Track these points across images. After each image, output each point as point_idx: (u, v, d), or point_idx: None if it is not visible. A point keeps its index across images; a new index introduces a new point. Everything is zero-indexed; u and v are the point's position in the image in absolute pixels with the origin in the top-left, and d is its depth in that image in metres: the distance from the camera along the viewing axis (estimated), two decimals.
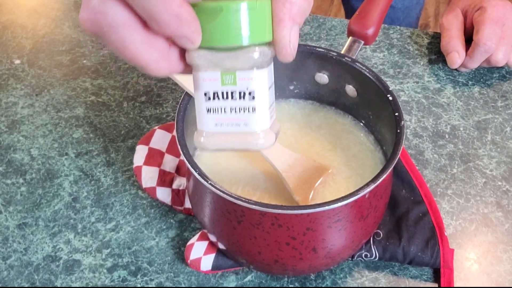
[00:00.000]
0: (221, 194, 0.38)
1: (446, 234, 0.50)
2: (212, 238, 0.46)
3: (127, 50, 0.27)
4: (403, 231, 0.50)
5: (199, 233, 0.49)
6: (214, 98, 0.30)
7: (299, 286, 0.48)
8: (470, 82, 0.66)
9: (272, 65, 0.31)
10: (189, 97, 0.44)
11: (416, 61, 0.69)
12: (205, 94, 0.30)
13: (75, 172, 0.57)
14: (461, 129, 0.61)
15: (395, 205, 0.52)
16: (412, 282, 0.49)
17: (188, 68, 0.30)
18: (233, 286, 0.49)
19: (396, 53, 0.70)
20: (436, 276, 0.49)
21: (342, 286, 0.48)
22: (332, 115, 0.53)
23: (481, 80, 0.67)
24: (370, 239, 0.49)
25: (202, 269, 0.48)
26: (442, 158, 0.58)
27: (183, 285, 0.49)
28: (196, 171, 0.39)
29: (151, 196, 0.54)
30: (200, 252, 0.48)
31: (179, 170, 0.55)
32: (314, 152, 0.50)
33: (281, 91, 0.53)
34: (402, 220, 0.51)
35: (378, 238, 0.49)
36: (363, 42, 0.52)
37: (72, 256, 0.50)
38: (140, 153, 0.55)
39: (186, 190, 0.52)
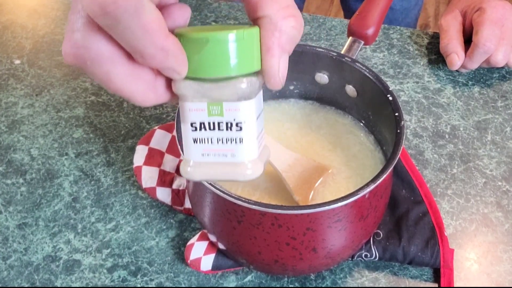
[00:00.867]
0: (221, 194, 0.38)
1: (446, 234, 0.50)
2: (212, 238, 0.46)
3: (112, 83, 0.26)
4: (403, 231, 0.50)
5: (199, 233, 0.49)
6: (200, 129, 0.30)
7: (299, 286, 0.48)
8: (470, 82, 0.66)
9: (261, 93, 0.31)
10: None
11: (416, 61, 0.69)
12: (192, 125, 0.30)
13: (75, 172, 0.57)
14: (461, 129, 0.61)
15: (395, 205, 0.52)
16: (412, 282, 0.49)
17: (174, 98, 0.29)
18: (233, 286, 0.49)
19: (396, 53, 0.70)
20: (436, 276, 0.49)
21: (342, 286, 0.48)
22: (332, 115, 0.53)
23: (481, 80, 0.67)
24: (370, 239, 0.49)
25: (202, 269, 0.48)
26: (442, 158, 0.58)
27: (183, 285, 0.49)
28: None
29: (151, 196, 0.54)
30: (200, 252, 0.48)
31: (179, 170, 0.55)
32: (314, 152, 0.50)
33: (281, 91, 0.53)
34: (402, 220, 0.51)
35: (378, 238, 0.49)
36: (363, 42, 0.52)
37: (72, 256, 0.51)
38: (140, 153, 0.55)
39: (186, 190, 0.52)
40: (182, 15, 0.28)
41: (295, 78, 0.52)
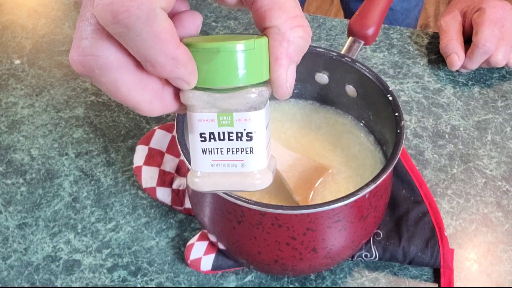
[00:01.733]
0: (221, 194, 0.38)
1: (446, 234, 0.50)
2: (212, 238, 0.46)
3: (119, 93, 0.26)
4: (403, 231, 0.50)
5: (199, 233, 0.49)
6: (210, 139, 0.29)
7: (299, 286, 0.48)
8: (470, 82, 0.66)
9: (268, 103, 0.31)
10: None
11: (416, 61, 0.69)
12: (201, 135, 0.29)
13: (75, 172, 0.57)
14: (461, 129, 0.61)
15: (395, 205, 0.52)
16: (412, 282, 0.49)
17: (182, 108, 0.29)
18: (233, 286, 0.49)
19: (396, 53, 0.70)
20: (436, 276, 0.49)
21: (342, 286, 0.49)
22: (332, 115, 0.53)
23: (481, 80, 0.67)
24: (370, 239, 0.49)
25: (202, 269, 0.48)
26: (442, 158, 0.58)
27: (183, 285, 0.49)
28: None
29: (151, 196, 0.54)
30: (200, 252, 0.48)
31: (179, 170, 0.55)
32: (314, 152, 0.50)
33: None
34: (402, 220, 0.51)
35: (378, 238, 0.49)
36: (363, 42, 0.52)
37: (72, 256, 0.51)
38: (140, 153, 0.55)
39: (186, 190, 0.52)
40: (194, 22, 0.28)
41: (295, 78, 0.51)
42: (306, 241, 0.41)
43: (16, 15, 0.76)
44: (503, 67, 0.67)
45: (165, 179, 0.54)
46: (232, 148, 0.29)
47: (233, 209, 0.40)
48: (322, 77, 0.50)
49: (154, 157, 0.55)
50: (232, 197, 0.37)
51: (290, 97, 0.54)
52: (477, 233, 0.52)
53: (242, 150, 0.29)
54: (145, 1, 0.23)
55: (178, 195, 0.53)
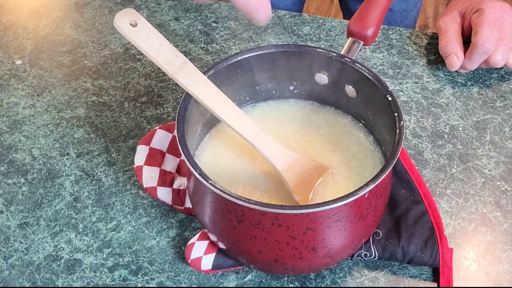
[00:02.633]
0: (221, 194, 0.38)
1: (445, 233, 0.50)
2: (213, 237, 0.46)
3: None
4: (402, 231, 0.50)
5: (200, 232, 0.50)
6: None
7: (299, 285, 0.49)
8: (469, 83, 0.67)
9: None
10: (189, 97, 0.44)
11: (415, 61, 0.69)
12: None
13: (76, 172, 0.57)
14: (460, 129, 0.61)
15: (395, 204, 0.52)
16: (411, 281, 0.49)
17: None
18: (233, 285, 0.49)
19: (395, 53, 0.70)
20: (435, 275, 0.49)
21: (341, 285, 0.49)
22: (332, 115, 0.53)
23: (480, 80, 0.67)
24: (369, 238, 0.49)
25: (202, 268, 0.48)
26: (441, 158, 0.58)
27: (183, 285, 0.49)
28: (196, 171, 0.39)
29: (152, 195, 0.54)
30: (201, 252, 0.48)
31: (180, 170, 0.55)
32: (314, 152, 0.50)
33: (281, 91, 0.53)
34: (401, 219, 0.51)
35: (377, 238, 0.49)
36: (362, 42, 0.52)
37: (73, 255, 0.51)
38: (141, 153, 0.55)
39: (187, 190, 0.52)
40: None
41: (295, 78, 0.52)
42: (306, 241, 0.41)
43: (18, 15, 0.77)
44: (502, 68, 0.68)
45: (165, 179, 0.54)
46: None
47: (233, 209, 0.40)
48: (322, 77, 0.51)
49: (155, 157, 0.55)
50: (232, 196, 0.38)
51: (290, 97, 0.54)
52: (476, 233, 0.52)
53: None
54: None
55: (178, 194, 0.53)
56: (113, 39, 0.72)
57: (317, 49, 0.48)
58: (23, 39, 0.73)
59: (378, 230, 0.50)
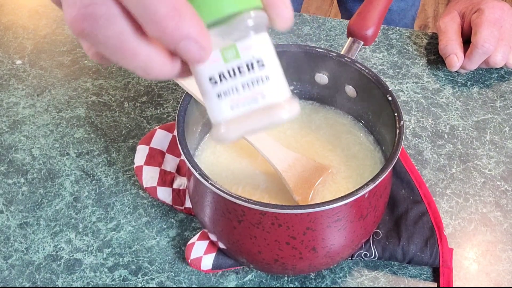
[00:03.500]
0: (221, 194, 0.38)
1: (445, 233, 0.50)
2: (213, 237, 0.46)
3: (127, 44, 0.24)
4: (402, 231, 0.50)
5: (200, 232, 0.50)
6: (221, 80, 0.27)
7: (299, 285, 0.49)
8: (469, 83, 0.67)
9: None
10: (189, 97, 0.44)
11: (415, 61, 0.69)
12: (210, 79, 0.27)
13: (76, 172, 0.57)
14: (460, 129, 0.61)
15: (395, 204, 0.52)
16: (411, 281, 0.49)
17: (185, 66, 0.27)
18: (233, 285, 0.49)
19: (395, 53, 0.70)
20: (435, 275, 0.49)
21: (341, 285, 0.49)
22: (332, 115, 0.53)
23: (480, 80, 0.67)
24: (369, 238, 0.49)
25: (202, 268, 0.48)
26: (441, 158, 0.58)
27: (183, 285, 0.49)
28: (196, 171, 0.39)
29: (151, 195, 0.54)
30: (201, 252, 0.48)
31: (180, 170, 0.55)
32: (314, 152, 0.50)
33: None
34: (401, 219, 0.51)
35: (377, 238, 0.49)
36: (362, 42, 0.52)
37: (73, 255, 0.51)
38: (141, 153, 0.55)
39: (187, 190, 0.52)
40: None
41: (295, 78, 0.52)
42: (306, 241, 0.41)
43: (17, 15, 0.77)
44: (501, 67, 0.68)
45: (165, 179, 0.54)
46: (247, 82, 0.27)
47: (233, 209, 0.40)
48: (322, 77, 0.51)
49: (155, 157, 0.55)
50: (232, 196, 0.38)
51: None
52: (476, 233, 0.52)
53: (258, 80, 0.27)
54: None
55: (178, 194, 0.53)
56: None
57: (317, 49, 0.48)
58: (23, 39, 0.73)
59: (378, 230, 0.50)
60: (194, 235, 0.50)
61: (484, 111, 0.63)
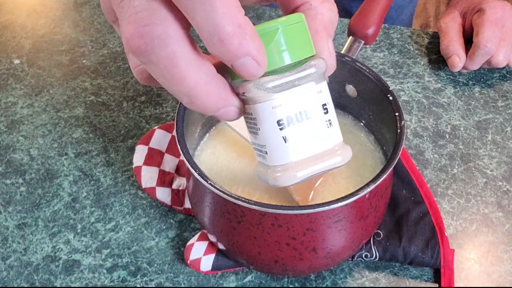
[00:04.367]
0: (221, 194, 0.38)
1: (446, 234, 0.50)
2: (212, 238, 0.46)
3: (177, 68, 0.24)
4: (403, 231, 0.49)
5: (199, 233, 0.49)
6: (289, 124, 0.28)
7: (299, 286, 0.48)
8: (470, 82, 0.66)
9: None
10: None
11: (416, 61, 0.69)
12: (279, 123, 0.27)
13: (74, 172, 0.57)
14: (462, 129, 0.61)
15: (396, 205, 0.52)
16: (412, 282, 0.49)
17: (237, 105, 0.27)
18: (233, 286, 0.48)
19: (396, 53, 0.70)
20: (437, 276, 0.49)
21: (342, 286, 0.48)
22: None
23: (482, 80, 0.66)
24: (370, 239, 0.49)
25: (202, 269, 0.48)
26: (443, 158, 0.58)
27: (183, 286, 0.48)
28: (196, 171, 0.38)
29: (150, 196, 0.54)
30: (200, 253, 0.48)
31: (179, 170, 0.55)
32: None
33: None
34: (402, 220, 0.51)
35: (378, 238, 0.49)
36: (363, 42, 0.52)
37: (71, 256, 0.50)
38: (140, 153, 0.55)
39: (186, 190, 0.52)
40: None
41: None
42: (306, 241, 0.40)
43: (16, 14, 0.76)
44: (503, 67, 0.67)
45: (164, 179, 0.53)
46: (312, 127, 0.28)
47: (233, 209, 0.40)
48: None
49: (153, 157, 0.55)
50: (232, 197, 0.37)
51: None
52: (478, 233, 0.52)
53: (322, 125, 0.28)
54: None
55: (178, 195, 0.53)
56: (112, 38, 0.72)
57: None
58: (21, 38, 0.73)
59: (378, 231, 0.50)
60: (193, 236, 0.50)
61: (485, 111, 0.63)
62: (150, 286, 0.48)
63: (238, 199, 0.37)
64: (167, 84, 0.25)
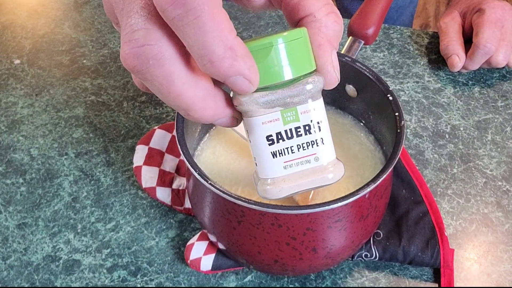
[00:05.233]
0: (221, 194, 0.38)
1: (446, 234, 0.50)
2: (212, 238, 0.46)
3: (173, 87, 0.25)
4: (403, 231, 0.49)
5: (199, 233, 0.49)
6: (278, 141, 0.28)
7: (299, 286, 0.48)
8: (470, 82, 0.66)
9: None
10: None
11: (416, 61, 0.69)
12: (268, 138, 0.28)
13: (75, 172, 0.57)
14: (461, 129, 0.61)
15: (395, 205, 0.52)
16: (412, 282, 0.49)
17: (234, 115, 0.28)
18: (233, 286, 0.49)
19: (396, 53, 0.70)
20: (436, 276, 0.49)
21: (342, 286, 0.48)
22: (332, 115, 0.53)
23: (481, 80, 0.67)
24: (370, 239, 0.49)
25: (202, 269, 0.48)
26: (442, 158, 0.58)
27: (183, 285, 0.49)
28: (196, 171, 0.38)
29: (151, 196, 0.54)
30: (200, 252, 0.48)
31: (179, 170, 0.55)
32: None
33: None
34: (402, 220, 0.51)
35: (378, 238, 0.49)
36: (363, 42, 0.52)
37: (72, 256, 0.50)
38: (140, 153, 0.55)
39: (186, 190, 0.52)
40: None
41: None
42: (306, 241, 0.40)
43: (16, 15, 0.76)
44: (503, 67, 0.67)
45: (165, 179, 0.53)
46: (302, 144, 0.28)
47: (233, 209, 0.40)
48: None
49: (154, 157, 0.55)
50: (232, 197, 0.37)
51: None
52: (477, 233, 0.52)
53: (313, 143, 0.29)
54: None
55: (178, 195, 0.53)
56: (112, 38, 0.72)
57: None
58: (22, 38, 0.73)
59: (378, 231, 0.50)
60: (193, 236, 0.50)
61: (485, 111, 0.63)
62: (150, 286, 0.49)
63: (238, 199, 0.37)
64: (164, 99, 0.26)
